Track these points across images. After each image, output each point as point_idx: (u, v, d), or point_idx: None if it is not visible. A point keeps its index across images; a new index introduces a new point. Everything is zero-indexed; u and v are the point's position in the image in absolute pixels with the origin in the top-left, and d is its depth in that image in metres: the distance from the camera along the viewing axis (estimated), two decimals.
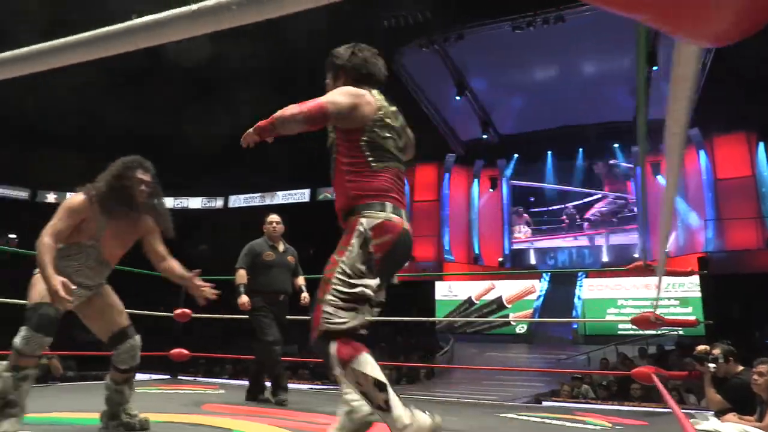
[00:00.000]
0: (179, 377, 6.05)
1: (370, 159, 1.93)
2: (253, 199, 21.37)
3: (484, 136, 17.88)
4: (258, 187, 21.07)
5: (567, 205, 17.97)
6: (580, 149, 17.73)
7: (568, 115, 16.49)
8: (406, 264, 2.05)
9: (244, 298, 4.12)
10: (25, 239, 18.62)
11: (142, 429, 2.51)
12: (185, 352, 5.59)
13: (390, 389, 1.73)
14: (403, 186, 2.01)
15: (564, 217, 17.93)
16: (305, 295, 4.29)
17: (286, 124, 1.85)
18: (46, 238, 2.22)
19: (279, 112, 1.86)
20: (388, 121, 1.99)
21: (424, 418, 1.71)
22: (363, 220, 1.85)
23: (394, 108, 2.08)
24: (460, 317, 15.24)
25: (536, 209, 18.33)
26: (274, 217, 4.40)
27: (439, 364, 12.98)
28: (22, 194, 20.78)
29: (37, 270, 2.27)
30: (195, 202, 22.07)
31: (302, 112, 1.85)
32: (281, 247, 4.35)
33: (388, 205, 1.90)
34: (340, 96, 1.92)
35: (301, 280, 4.41)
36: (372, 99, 1.98)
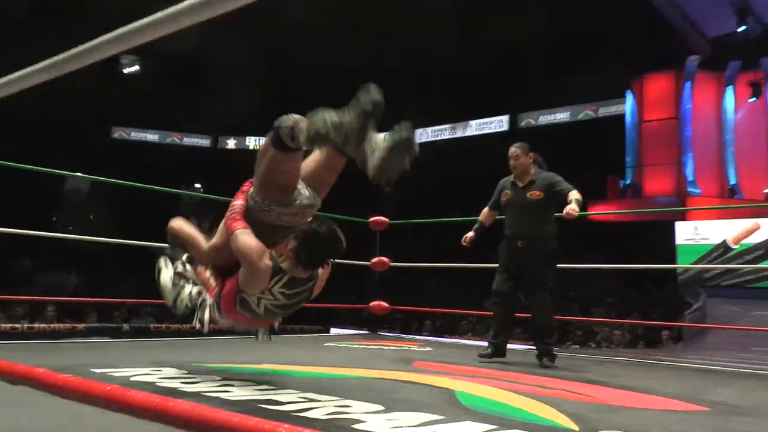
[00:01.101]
0: (379, 332, 6.42)
1: None
2: (443, 132, 21.58)
3: (741, 29, 15.92)
4: (447, 118, 21.20)
5: None
6: None
7: None
8: None
9: (468, 234, 4.28)
10: (209, 185, 21.07)
11: None
12: (385, 304, 5.91)
13: None
14: None
15: None
16: (572, 208, 3.85)
17: None
18: None
19: None
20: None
21: None
22: None
23: None
24: (712, 266, 14.13)
25: None
26: (510, 150, 4.28)
27: (687, 323, 12.22)
28: (204, 141, 23.34)
29: None
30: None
31: None
32: (524, 181, 4.22)
33: None
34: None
35: (572, 199, 3.92)
36: None
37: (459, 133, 21.22)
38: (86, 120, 19.59)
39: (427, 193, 17.65)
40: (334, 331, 9.65)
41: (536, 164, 4.27)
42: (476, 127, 20.97)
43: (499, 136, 19.37)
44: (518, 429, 2.02)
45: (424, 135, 21.76)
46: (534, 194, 4.16)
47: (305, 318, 12.27)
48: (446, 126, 21.43)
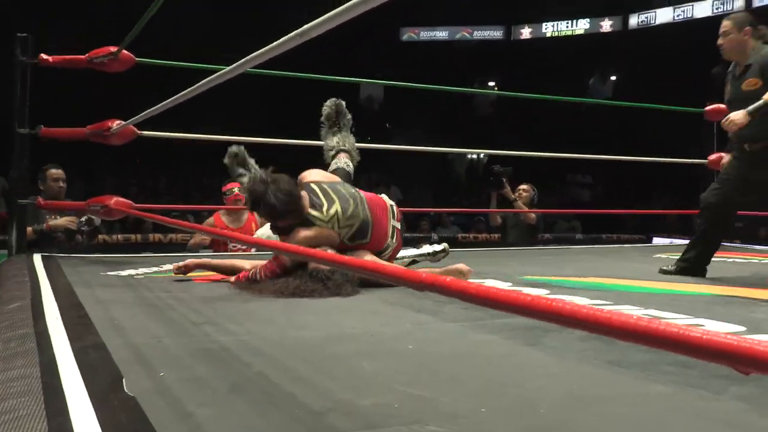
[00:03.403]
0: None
1: None
2: None
3: None
4: None
5: None
6: None
7: None
8: None
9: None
10: (503, 82, 21.29)
11: None
12: None
13: None
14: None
15: None
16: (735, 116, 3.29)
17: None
18: None
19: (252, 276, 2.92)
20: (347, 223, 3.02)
21: None
22: None
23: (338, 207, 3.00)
24: None
25: None
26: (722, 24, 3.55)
27: None
28: (496, 33, 23.31)
29: None
30: (702, 8, 20.81)
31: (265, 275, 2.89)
32: (741, 68, 3.48)
33: None
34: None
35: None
36: (326, 230, 2.95)
37: None
38: (374, 24, 20.76)
39: None
40: (656, 240, 9.32)
41: (762, 40, 3.44)
42: None
43: None
44: None
45: None
46: (749, 83, 3.38)
47: (621, 226, 12.02)
48: None
